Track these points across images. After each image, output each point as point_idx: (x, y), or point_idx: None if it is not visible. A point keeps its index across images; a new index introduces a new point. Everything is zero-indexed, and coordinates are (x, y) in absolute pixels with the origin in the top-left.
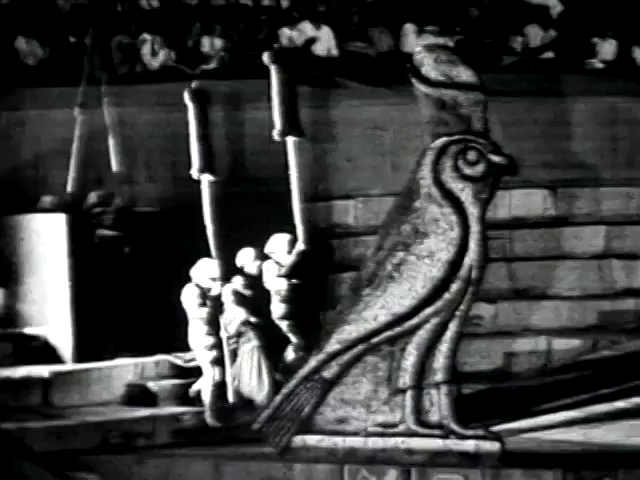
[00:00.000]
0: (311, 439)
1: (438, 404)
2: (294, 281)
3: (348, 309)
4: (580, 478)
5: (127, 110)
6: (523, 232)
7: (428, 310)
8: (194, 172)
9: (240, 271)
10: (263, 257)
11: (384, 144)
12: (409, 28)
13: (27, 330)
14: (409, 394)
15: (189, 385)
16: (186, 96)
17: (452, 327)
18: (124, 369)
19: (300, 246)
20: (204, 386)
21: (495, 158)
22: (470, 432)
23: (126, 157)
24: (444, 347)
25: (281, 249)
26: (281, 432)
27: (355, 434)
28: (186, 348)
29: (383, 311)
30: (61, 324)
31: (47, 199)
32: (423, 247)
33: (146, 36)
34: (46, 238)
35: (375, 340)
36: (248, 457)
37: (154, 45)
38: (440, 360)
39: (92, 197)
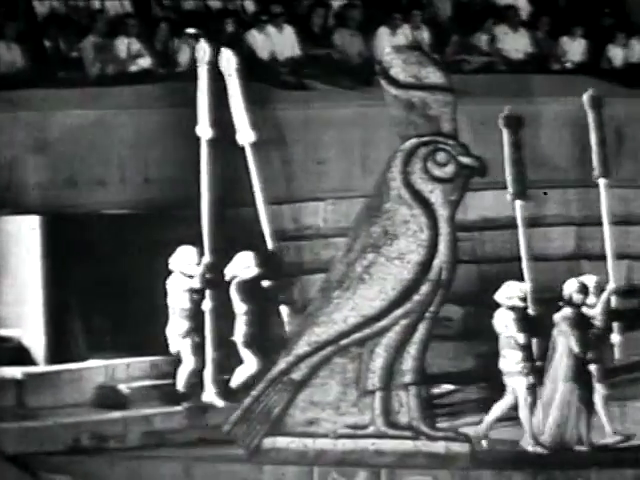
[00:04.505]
0: (281, 441)
1: (407, 405)
2: None
3: (318, 311)
4: (551, 479)
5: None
6: (493, 233)
7: (398, 312)
8: (509, 197)
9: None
10: None
11: (354, 146)
12: (382, 32)
13: (0, 332)
14: (378, 396)
15: (160, 387)
16: (500, 122)
17: (421, 329)
18: (95, 371)
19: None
20: None
21: (464, 159)
22: (440, 433)
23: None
24: (413, 349)
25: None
26: (251, 434)
27: (325, 436)
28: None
29: (353, 313)
30: (34, 326)
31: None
32: (393, 249)
33: (122, 38)
34: (20, 240)
35: (344, 342)
36: (218, 459)
37: (130, 47)
38: (409, 362)
39: None
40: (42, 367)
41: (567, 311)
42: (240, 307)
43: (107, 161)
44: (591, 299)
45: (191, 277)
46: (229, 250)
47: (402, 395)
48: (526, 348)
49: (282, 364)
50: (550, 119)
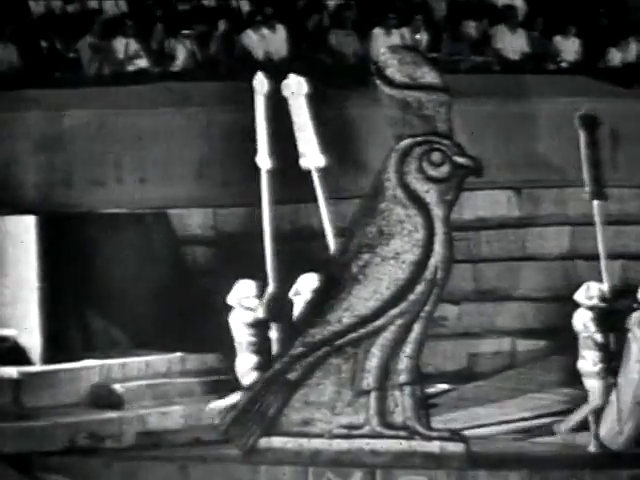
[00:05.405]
0: (276, 441)
1: (402, 405)
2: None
3: (313, 312)
4: (546, 479)
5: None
6: (488, 233)
7: (393, 311)
8: (586, 196)
9: None
10: None
11: (349, 146)
12: (377, 32)
13: None
14: (373, 395)
15: (155, 386)
16: (576, 122)
17: (416, 328)
18: (90, 371)
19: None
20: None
21: (460, 159)
22: (435, 433)
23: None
24: (408, 348)
25: None
26: (246, 434)
27: (320, 436)
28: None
29: (347, 313)
30: (31, 325)
31: None
32: (388, 249)
33: (120, 38)
34: (17, 240)
35: (339, 342)
36: (213, 459)
37: (128, 47)
38: (404, 361)
39: None
40: (38, 367)
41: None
42: None
43: (104, 161)
44: None
45: (252, 310)
46: (290, 278)
47: (397, 395)
48: (604, 348)
49: (277, 365)
50: (546, 119)
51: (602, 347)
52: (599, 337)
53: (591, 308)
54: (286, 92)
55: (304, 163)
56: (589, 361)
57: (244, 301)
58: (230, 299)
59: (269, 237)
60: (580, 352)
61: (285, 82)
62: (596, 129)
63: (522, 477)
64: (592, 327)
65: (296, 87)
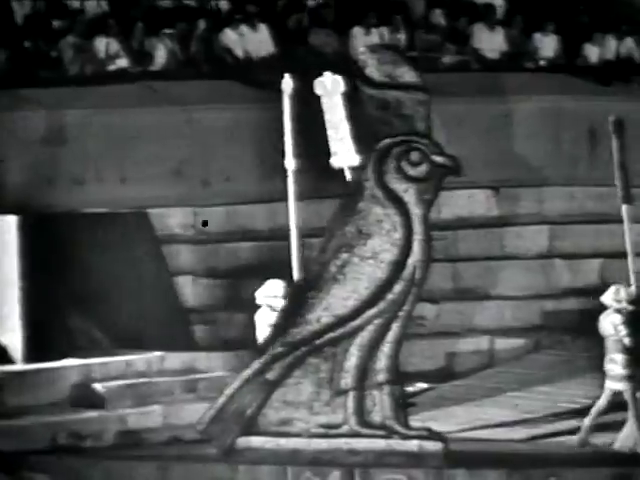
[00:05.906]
0: (255, 440)
1: (381, 404)
2: None
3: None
4: (526, 478)
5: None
6: (466, 232)
7: (371, 311)
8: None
9: None
10: None
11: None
12: (357, 31)
13: None
14: (351, 395)
15: (135, 386)
16: (610, 127)
17: (395, 328)
18: (71, 370)
19: None
20: None
21: (438, 159)
22: (413, 432)
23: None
24: (387, 348)
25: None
26: (225, 433)
27: (298, 435)
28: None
29: (326, 313)
30: (12, 325)
31: None
32: (367, 248)
33: (101, 38)
34: None
35: (318, 342)
36: (193, 458)
37: (109, 47)
38: (383, 360)
39: None
40: (20, 366)
41: None
42: None
43: (85, 160)
44: None
45: (277, 311)
46: None
47: (376, 394)
48: (633, 351)
49: (256, 364)
50: (524, 117)
51: (631, 350)
52: (628, 340)
53: (619, 311)
54: (319, 90)
55: (336, 162)
56: (618, 364)
57: (271, 301)
58: (258, 298)
59: (295, 237)
60: (608, 355)
61: (319, 80)
62: (624, 134)
63: (501, 476)
64: (623, 330)
65: (332, 85)
